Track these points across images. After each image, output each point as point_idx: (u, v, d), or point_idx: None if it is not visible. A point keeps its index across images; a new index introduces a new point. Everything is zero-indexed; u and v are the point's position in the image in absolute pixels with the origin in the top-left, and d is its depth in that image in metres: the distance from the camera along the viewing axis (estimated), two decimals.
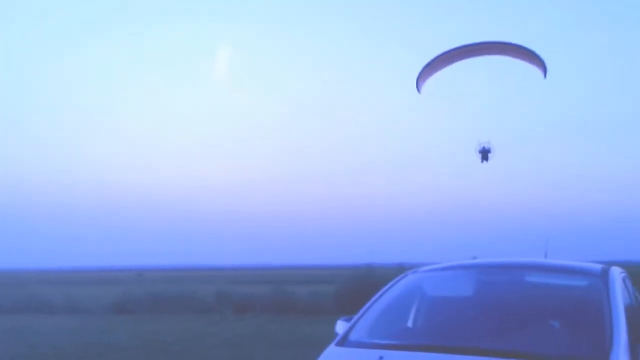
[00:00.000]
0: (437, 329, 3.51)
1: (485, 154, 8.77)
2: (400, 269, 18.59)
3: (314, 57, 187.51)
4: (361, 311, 3.66)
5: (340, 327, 3.70)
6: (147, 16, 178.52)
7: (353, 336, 3.40)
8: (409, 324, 3.83)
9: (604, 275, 3.54)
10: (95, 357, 10.03)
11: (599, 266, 3.75)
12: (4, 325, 15.23)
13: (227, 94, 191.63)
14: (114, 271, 67.01)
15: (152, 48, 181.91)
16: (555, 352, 2.94)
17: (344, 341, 3.36)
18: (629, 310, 3.26)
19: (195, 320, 16.23)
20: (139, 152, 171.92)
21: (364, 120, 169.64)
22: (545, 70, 7.19)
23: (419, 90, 7.58)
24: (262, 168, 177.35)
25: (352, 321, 3.59)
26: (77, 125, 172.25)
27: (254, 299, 19.20)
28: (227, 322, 15.71)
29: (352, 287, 18.18)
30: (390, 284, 3.94)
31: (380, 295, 3.80)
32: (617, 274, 3.60)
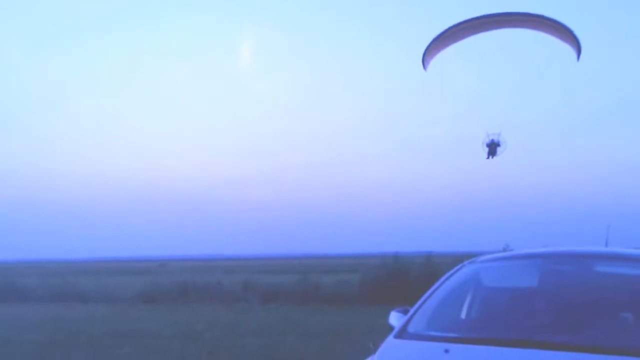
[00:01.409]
0: (502, 322, 3.30)
1: (493, 148, 7.59)
2: (428, 258, 18.65)
3: (325, 51, 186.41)
4: (418, 303, 3.53)
5: (395, 318, 3.60)
6: (163, 9, 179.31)
7: (411, 328, 3.28)
8: (471, 316, 3.65)
9: None
10: (129, 344, 10.25)
11: None
12: (41, 313, 15.71)
13: (252, 82, 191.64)
14: (137, 261, 67.94)
15: (163, 42, 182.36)
16: (634, 346, 2.75)
17: (402, 333, 3.25)
18: None
19: (223, 309, 16.45)
20: (162, 143, 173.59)
21: (383, 107, 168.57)
22: (579, 51, 6.29)
23: (425, 68, 6.84)
24: (285, 157, 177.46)
25: (410, 313, 3.46)
26: (98, 118, 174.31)
27: (280, 288, 19.33)
28: (254, 311, 15.88)
29: (378, 276, 18.21)
30: (447, 274, 3.79)
31: (438, 287, 3.66)
32: None
